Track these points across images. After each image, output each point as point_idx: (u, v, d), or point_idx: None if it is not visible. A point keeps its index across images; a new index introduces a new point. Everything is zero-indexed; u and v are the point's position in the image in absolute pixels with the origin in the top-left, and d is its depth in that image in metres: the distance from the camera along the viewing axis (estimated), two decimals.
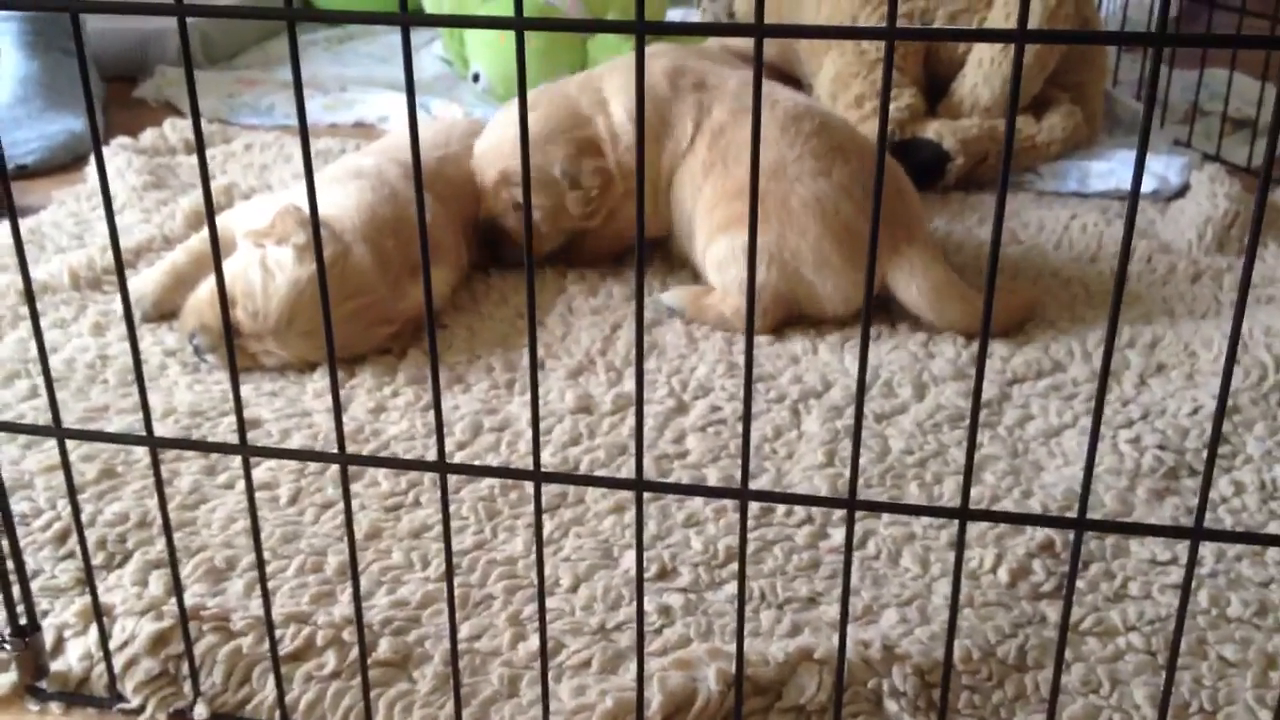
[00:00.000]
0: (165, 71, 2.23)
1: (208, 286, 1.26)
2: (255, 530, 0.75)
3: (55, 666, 0.86)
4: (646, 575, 0.97)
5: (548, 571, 0.97)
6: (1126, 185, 1.76)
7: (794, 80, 2.04)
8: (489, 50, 2.09)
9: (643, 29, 0.59)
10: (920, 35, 0.66)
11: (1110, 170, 1.79)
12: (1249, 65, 2.00)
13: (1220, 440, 1.14)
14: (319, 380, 1.24)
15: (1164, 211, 1.68)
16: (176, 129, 1.91)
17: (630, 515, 1.03)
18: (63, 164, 1.84)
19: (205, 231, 1.45)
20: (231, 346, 0.71)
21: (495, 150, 1.46)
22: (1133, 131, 1.96)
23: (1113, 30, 0.55)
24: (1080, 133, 1.84)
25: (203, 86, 2.17)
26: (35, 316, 0.74)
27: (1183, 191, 1.73)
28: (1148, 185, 1.73)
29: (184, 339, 1.27)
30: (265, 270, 1.21)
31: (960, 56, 1.85)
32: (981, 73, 1.79)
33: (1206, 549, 0.99)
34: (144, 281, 1.36)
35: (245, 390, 1.21)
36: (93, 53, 2.17)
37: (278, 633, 0.86)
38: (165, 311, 1.34)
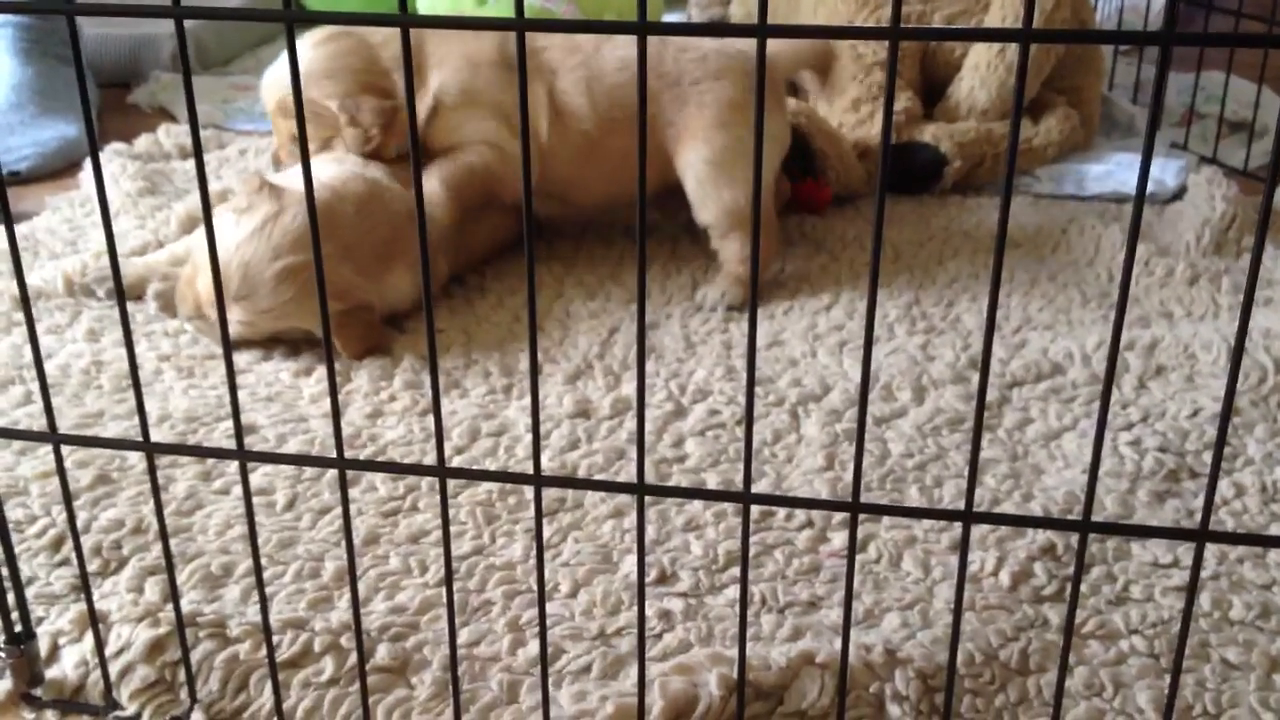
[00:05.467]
0: (159, 77, 2.22)
1: (188, 267, 1.32)
2: (252, 536, 0.74)
3: (50, 674, 0.85)
4: (646, 580, 0.96)
5: (547, 576, 0.96)
6: (1123, 188, 1.75)
7: (790, 84, 2.04)
8: None
9: (644, 29, 0.59)
10: (924, 35, 0.66)
11: (1107, 173, 1.78)
12: (1245, 68, 2.00)
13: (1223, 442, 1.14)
14: (315, 385, 1.23)
15: (1161, 214, 1.68)
16: (171, 134, 1.90)
17: (629, 520, 1.03)
18: (56, 170, 1.83)
19: (188, 239, 1.46)
20: (229, 351, 0.70)
21: (277, 81, 1.45)
22: (1129, 134, 1.96)
23: (1117, 30, 0.54)
24: (1077, 136, 1.84)
25: (197, 92, 2.15)
26: (31, 322, 0.74)
27: (1180, 194, 1.72)
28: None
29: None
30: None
31: (957, 60, 1.84)
32: (978, 76, 1.79)
33: (1208, 552, 0.99)
34: (135, 263, 1.41)
35: (241, 396, 1.21)
36: (88, 59, 2.16)
37: (275, 639, 0.85)
38: (131, 297, 1.38)
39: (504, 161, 1.44)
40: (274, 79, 1.45)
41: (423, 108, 1.42)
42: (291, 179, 1.34)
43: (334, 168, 1.37)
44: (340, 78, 1.40)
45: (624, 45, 1.45)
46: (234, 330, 1.26)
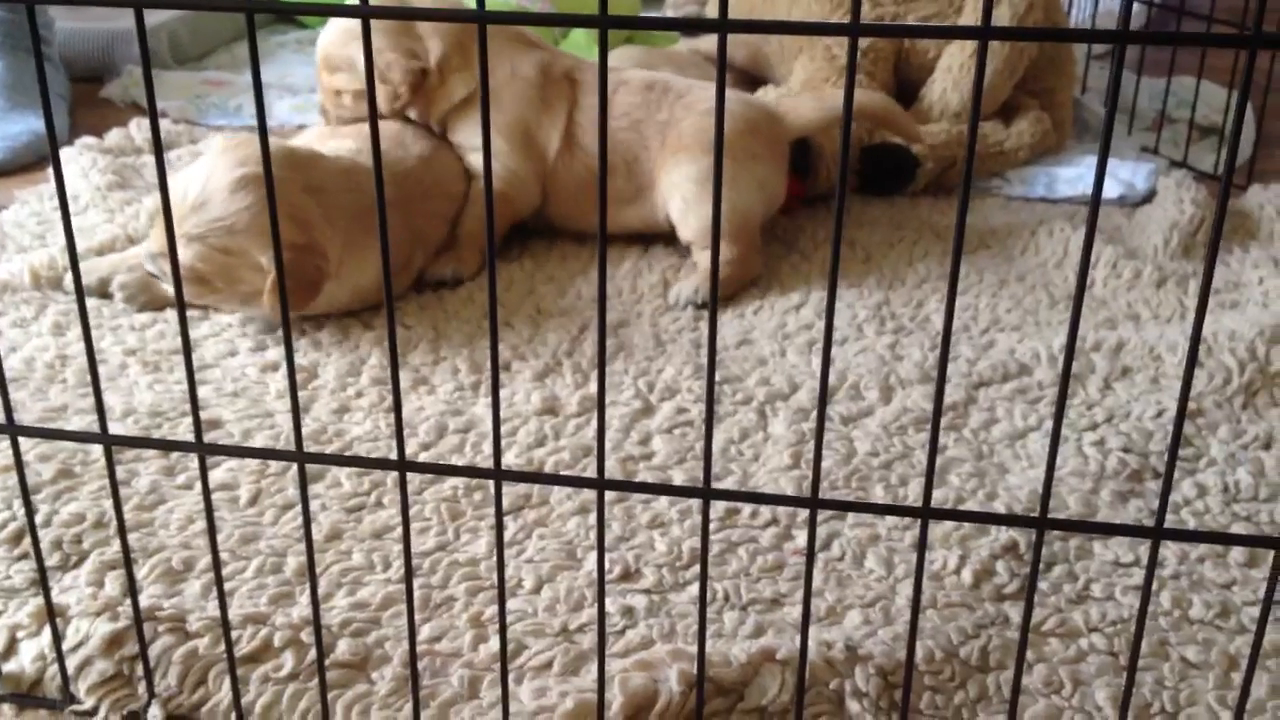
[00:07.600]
0: (132, 72, 2.20)
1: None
2: (211, 529, 0.74)
3: (8, 668, 0.84)
4: (610, 577, 0.96)
5: (510, 573, 0.96)
6: None
7: (764, 85, 2.05)
8: None
9: (604, 22, 0.59)
10: (883, 31, 0.67)
11: (1078, 176, 1.79)
12: (1216, 73, 2.01)
13: (1184, 443, 1.15)
14: (281, 380, 1.22)
15: (1130, 217, 1.69)
16: (142, 129, 1.88)
17: (594, 516, 1.02)
18: (26, 164, 1.82)
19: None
20: (188, 348, 0.70)
21: (324, 37, 1.54)
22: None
23: (1078, 29, 0.55)
24: (1048, 139, 1.85)
25: (170, 87, 2.15)
26: None
27: (1149, 197, 1.73)
28: (1114, 191, 1.74)
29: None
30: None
31: (930, 62, 1.85)
32: (950, 78, 1.80)
33: (1169, 551, 1.00)
34: (99, 262, 1.42)
35: (206, 391, 1.20)
36: (61, 53, 2.15)
37: (234, 634, 0.85)
38: (108, 291, 1.38)
39: (511, 183, 1.50)
40: (323, 36, 1.54)
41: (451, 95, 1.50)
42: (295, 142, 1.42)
43: (343, 143, 1.42)
44: (376, 37, 1.44)
45: (629, 94, 1.52)
46: (183, 258, 1.22)
